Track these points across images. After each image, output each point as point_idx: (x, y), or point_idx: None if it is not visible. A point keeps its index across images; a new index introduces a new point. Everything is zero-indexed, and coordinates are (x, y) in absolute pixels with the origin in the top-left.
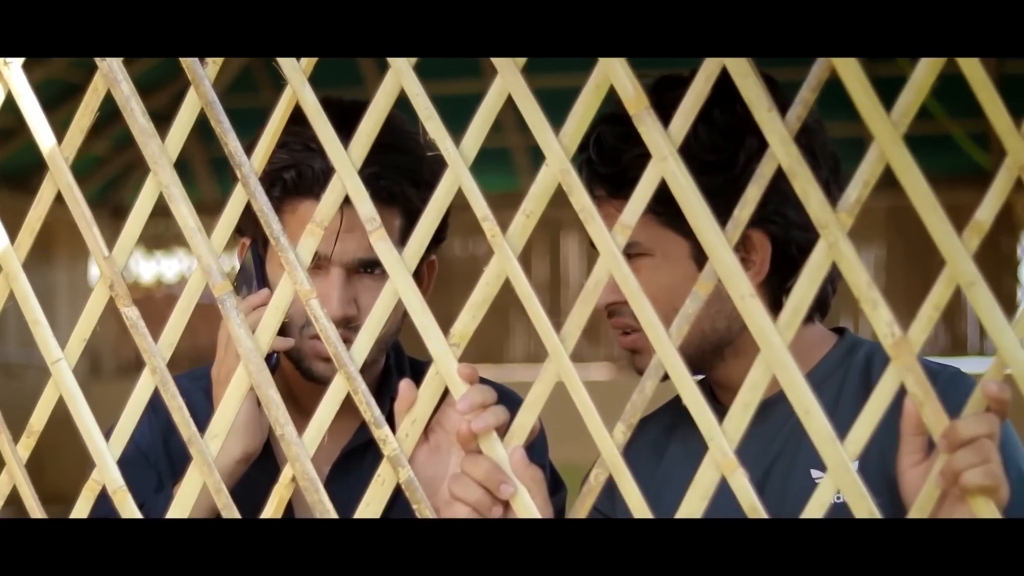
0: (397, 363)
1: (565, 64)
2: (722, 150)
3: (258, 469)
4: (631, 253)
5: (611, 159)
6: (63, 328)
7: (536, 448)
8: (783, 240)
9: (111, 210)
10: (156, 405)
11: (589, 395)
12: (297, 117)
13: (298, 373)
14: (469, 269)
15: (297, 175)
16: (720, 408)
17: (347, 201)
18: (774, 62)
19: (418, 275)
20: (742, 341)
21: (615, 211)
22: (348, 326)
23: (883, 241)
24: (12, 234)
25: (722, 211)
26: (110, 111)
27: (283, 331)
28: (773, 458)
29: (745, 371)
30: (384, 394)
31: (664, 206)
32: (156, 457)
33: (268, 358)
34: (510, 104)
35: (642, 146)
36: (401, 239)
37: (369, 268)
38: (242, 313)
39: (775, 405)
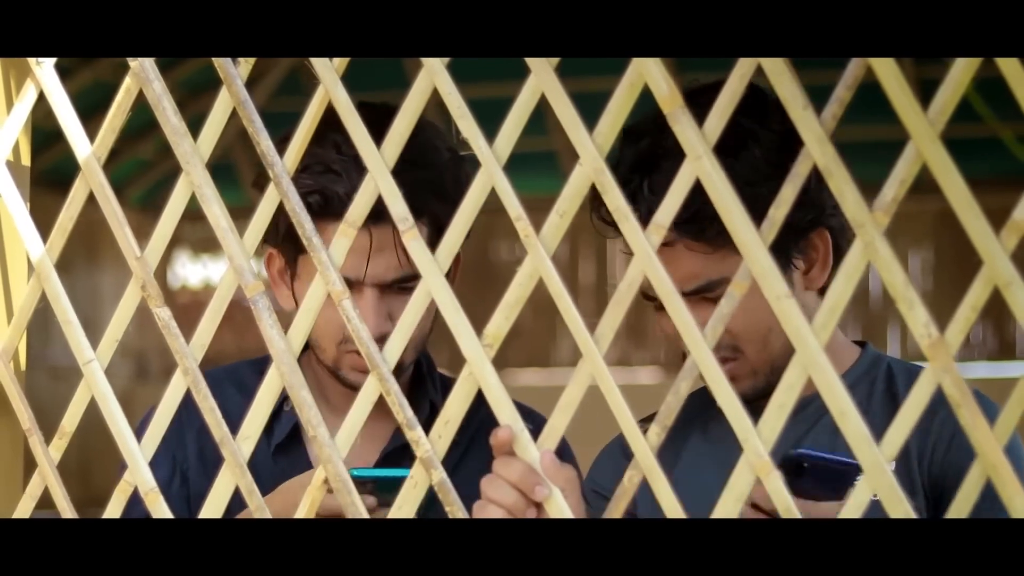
0: (428, 370)
1: (600, 67)
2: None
3: (291, 464)
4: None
5: None
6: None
7: None
8: (844, 234)
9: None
10: (190, 406)
11: (640, 399)
12: (316, 135)
13: (332, 377)
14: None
15: (323, 199)
16: None
17: (373, 220)
18: (804, 64)
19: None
20: None
21: None
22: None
23: (931, 244)
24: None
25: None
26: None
27: (318, 346)
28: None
29: None
30: (420, 398)
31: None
32: (175, 449)
33: None
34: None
35: None
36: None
37: (401, 284)
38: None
39: (808, 405)
